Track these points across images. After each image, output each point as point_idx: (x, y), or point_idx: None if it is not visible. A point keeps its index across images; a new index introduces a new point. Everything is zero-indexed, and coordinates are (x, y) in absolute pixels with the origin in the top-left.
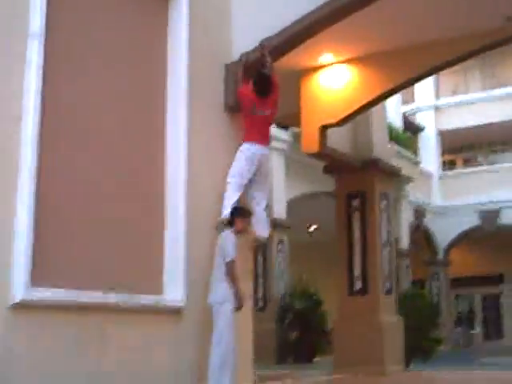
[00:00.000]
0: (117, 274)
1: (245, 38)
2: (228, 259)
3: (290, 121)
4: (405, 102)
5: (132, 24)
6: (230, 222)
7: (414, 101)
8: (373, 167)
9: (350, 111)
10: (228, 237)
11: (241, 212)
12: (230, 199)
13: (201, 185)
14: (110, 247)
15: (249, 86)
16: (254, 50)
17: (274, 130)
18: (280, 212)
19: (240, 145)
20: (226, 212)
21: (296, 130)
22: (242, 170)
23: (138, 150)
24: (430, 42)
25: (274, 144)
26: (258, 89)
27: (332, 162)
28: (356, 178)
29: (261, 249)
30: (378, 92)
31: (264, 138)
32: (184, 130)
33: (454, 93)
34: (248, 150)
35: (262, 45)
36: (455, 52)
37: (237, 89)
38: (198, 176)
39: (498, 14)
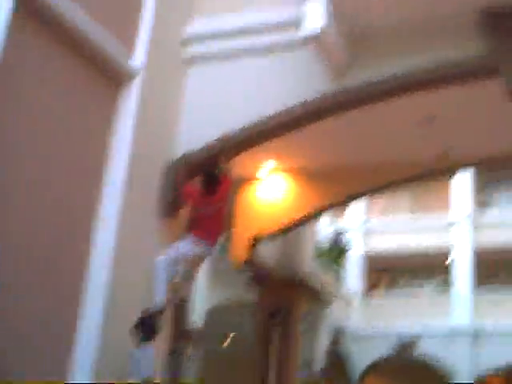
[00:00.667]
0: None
1: (189, 139)
2: (142, 378)
3: None
4: (334, 219)
5: (79, 109)
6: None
7: (343, 219)
8: (297, 284)
9: (284, 225)
10: (146, 352)
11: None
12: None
13: (125, 288)
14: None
15: (193, 185)
16: (200, 151)
17: None
18: (197, 321)
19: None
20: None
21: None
22: (171, 263)
23: (62, 243)
24: (369, 164)
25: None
26: (205, 187)
27: (258, 274)
28: (280, 293)
29: (173, 358)
30: (312, 209)
31: (210, 236)
32: (115, 226)
33: (382, 216)
34: (185, 247)
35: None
36: (390, 177)
37: (176, 188)
38: (123, 278)
39: (435, 147)
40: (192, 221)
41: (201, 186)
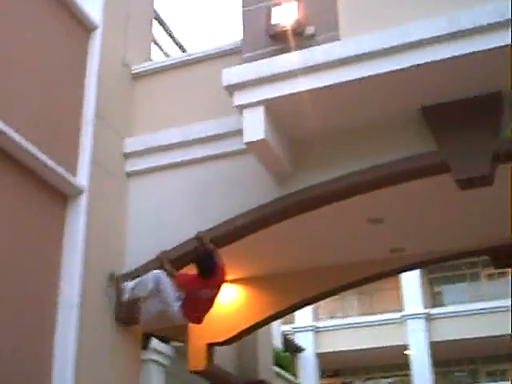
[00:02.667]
0: None
1: (135, 252)
2: None
3: (174, 335)
4: (285, 321)
5: (26, 228)
6: None
7: (293, 321)
8: None
9: (238, 331)
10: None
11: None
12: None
13: None
14: None
15: (187, 272)
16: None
17: (155, 344)
18: None
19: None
20: None
21: (177, 344)
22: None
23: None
24: (318, 268)
25: (154, 357)
26: (201, 271)
27: (216, 381)
28: None
29: None
30: (264, 315)
31: (198, 316)
32: (72, 346)
33: (332, 316)
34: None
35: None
36: (342, 280)
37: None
38: None
39: (384, 247)
40: (187, 303)
41: (197, 271)
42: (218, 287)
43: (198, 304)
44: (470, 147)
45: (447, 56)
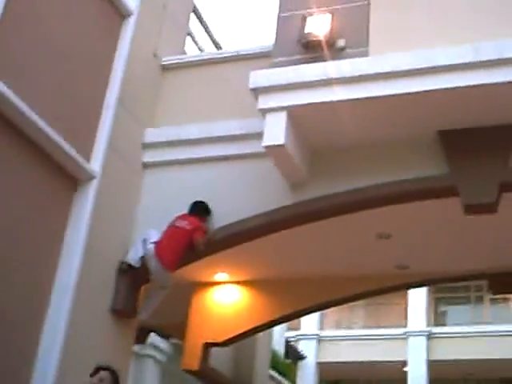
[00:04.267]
0: None
1: None
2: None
3: (173, 332)
4: (290, 328)
5: (37, 206)
6: None
7: (299, 328)
8: None
9: (237, 333)
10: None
11: None
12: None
13: None
14: None
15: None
16: None
17: (154, 339)
18: None
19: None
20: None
21: (176, 341)
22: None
23: (11, 339)
24: (323, 277)
25: (151, 353)
26: (193, 206)
27: (210, 382)
28: None
29: None
30: (266, 319)
31: (170, 260)
32: (64, 328)
33: (338, 326)
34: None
35: None
36: (345, 291)
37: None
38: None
39: (389, 263)
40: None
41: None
42: (194, 226)
43: (171, 239)
44: (480, 174)
45: (469, 83)
